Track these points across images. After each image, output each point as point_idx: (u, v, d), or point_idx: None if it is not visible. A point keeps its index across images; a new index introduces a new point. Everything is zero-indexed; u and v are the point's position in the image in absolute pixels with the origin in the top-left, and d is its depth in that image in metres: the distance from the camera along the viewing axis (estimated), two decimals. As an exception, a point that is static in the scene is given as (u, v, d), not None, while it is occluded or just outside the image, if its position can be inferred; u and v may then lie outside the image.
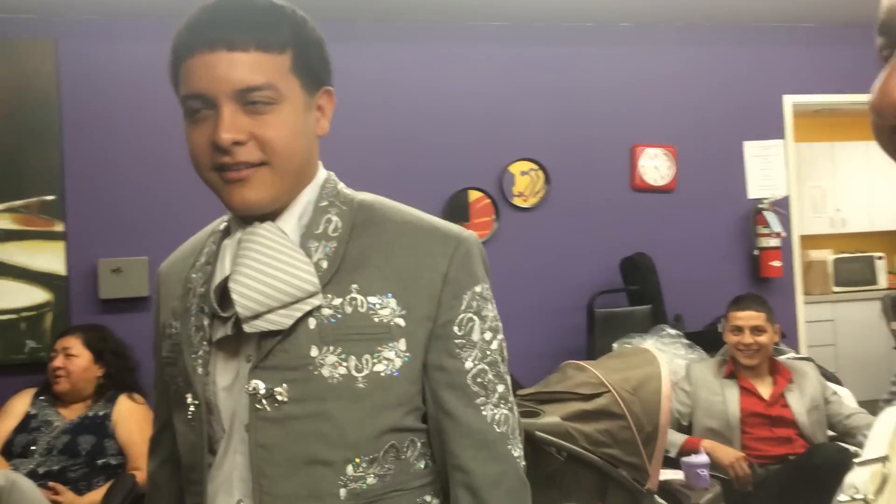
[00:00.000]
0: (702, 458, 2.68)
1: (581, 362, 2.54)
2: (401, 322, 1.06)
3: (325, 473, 1.03)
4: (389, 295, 1.06)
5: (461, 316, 1.08)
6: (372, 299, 1.06)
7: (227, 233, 1.14)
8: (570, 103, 4.20)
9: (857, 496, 0.49)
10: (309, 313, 1.04)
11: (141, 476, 2.98)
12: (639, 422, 2.32)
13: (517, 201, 4.11)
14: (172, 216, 3.81)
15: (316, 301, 1.04)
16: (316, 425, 1.03)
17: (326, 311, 1.05)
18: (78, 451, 3.01)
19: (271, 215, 1.08)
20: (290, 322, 1.03)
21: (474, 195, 4.08)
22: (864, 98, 4.61)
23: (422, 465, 1.09)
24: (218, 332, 1.07)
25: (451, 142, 4.09)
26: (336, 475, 1.03)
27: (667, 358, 3.10)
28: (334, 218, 1.10)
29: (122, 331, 3.46)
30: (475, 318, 1.09)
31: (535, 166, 4.14)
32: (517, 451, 1.11)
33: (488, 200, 4.07)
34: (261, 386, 1.03)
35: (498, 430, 1.09)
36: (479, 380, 1.09)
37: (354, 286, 1.06)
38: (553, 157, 4.16)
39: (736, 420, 3.16)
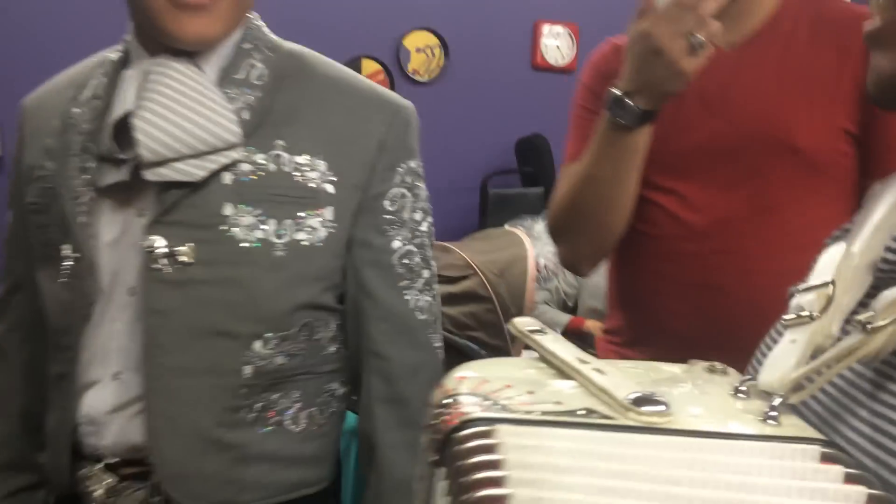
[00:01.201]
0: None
1: (447, 243, 2.50)
2: (330, 188, 0.95)
3: (229, 347, 0.93)
4: (319, 156, 0.95)
5: (394, 190, 0.99)
6: (299, 159, 0.95)
7: (122, 64, 0.98)
8: (472, -28, 4.00)
9: (804, 314, 0.53)
10: (225, 167, 0.92)
11: None
12: (504, 304, 2.31)
13: (413, 77, 3.95)
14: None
15: (235, 154, 0.92)
16: (224, 292, 0.92)
17: (246, 167, 0.93)
18: None
19: (188, 51, 0.93)
20: (202, 174, 0.90)
21: (369, 67, 3.88)
22: None
23: (333, 350, 1.01)
24: (108, 176, 0.93)
25: (345, 5, 3.84)
26: (241, 350, 0.93)
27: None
28: (258, 64, 0.97)
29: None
30: (408, 194, 1.00)
31: (433, 41, 3.96)
32: (437, 342, 1.04)
33: (383, 75, 3.89)
34: (160, 243, 0.90)
35: (420, 317, 1.01)
36: (405, 261, 1.00)
37: (280, 142, 0.95)
38: (452, 28, 3.98)
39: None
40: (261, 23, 1.02)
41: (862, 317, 0.47)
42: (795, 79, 1.18)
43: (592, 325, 3.02)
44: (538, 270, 3.11)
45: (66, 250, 0.95)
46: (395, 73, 3.94)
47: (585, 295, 3.28)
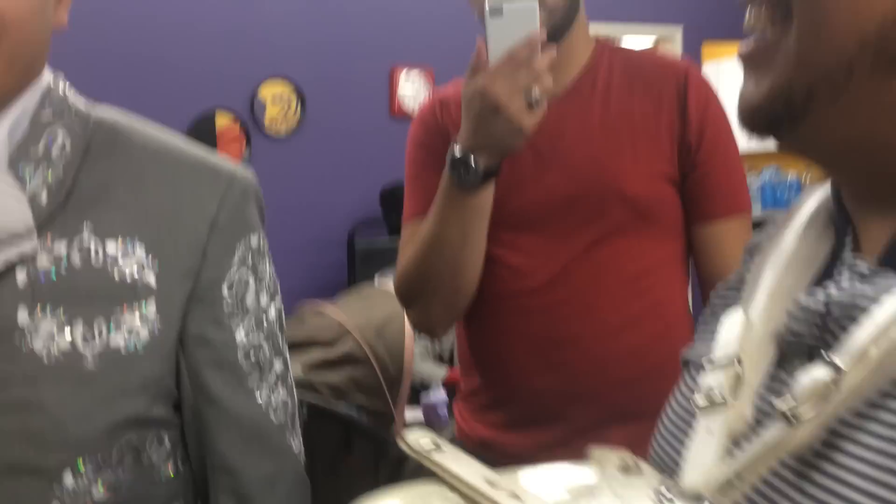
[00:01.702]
0: (440, 397, 2.66)
1: (320, 306, 2.40)
2: (151, 279, 0.81)
3: (32, 486, 0.76)
4: (137, 242, 0.81)
5: (232, 273, 0.85)
6: (111, 247, 0.80)
7: None
8: (325, 18, 3.94)
9: (716, 398, 0.51)
10: (16, 263, 0.76)
11: None
12: (384, 365, 2.24)
13: (270, 130, 3.83)
14: None
15: (28, 246, 0.76)
16: (21, 420, 0.75)
17: (43, 262, 0.78)
18: None
19: None
20: None
21: (223, 121, 3.72)
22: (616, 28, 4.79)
23: (170, 471, 0.85)
24: None
25: (195, 55, 3.70)
26: (48, 487, 0.76)
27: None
28: (61, 135, 0.82)
29: None
30: (249, 276, 0.87)
31: (288, 89, 3.86)
32: (296, 444, 0.90)
33: (237, 127, 3.75)
34: None
35: (274, 419, 0.87)
36: (252, 355, 0.86)
37: (87, 227, 0.80)
38: (308, 78, 3.91)
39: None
40: (64, 85, 0.87)
41: (783, 406, 0.44)
42: (617, 127, 1.22)
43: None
44: (412, 324, 3.06)
45: None
46: (251, 127, 3.80)
47: (463, 344, 3.24)
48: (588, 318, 1.21)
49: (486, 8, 1.10)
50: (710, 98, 1.24)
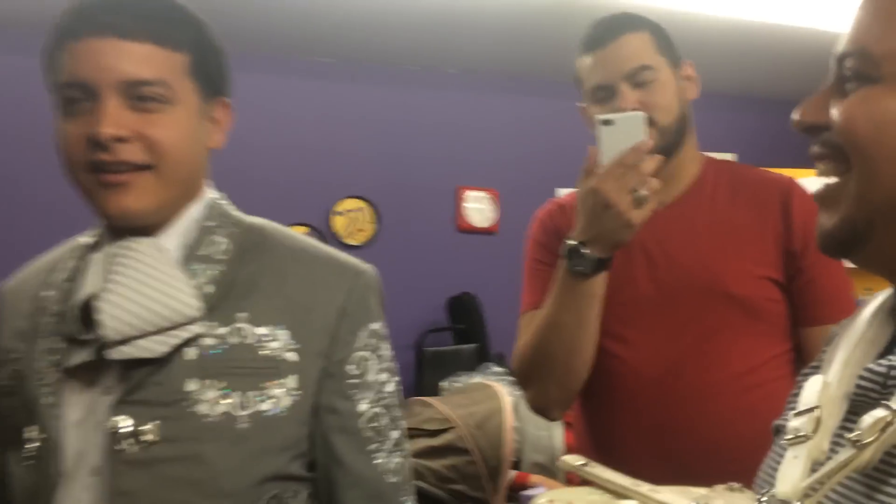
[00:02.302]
0: (540, 491, 2.74)
1: (426, 398, 2.55)
2: (292, 357, 0.98)
3: None
4: (281, 326, 0.98)
5: (356, 354, 1.02)
6: (261, 330, 0.98)
7: (93, 248, 1.02)
8: (397, 143, 4.24)
9: (801, 434, 0.62)
10: (188, 342, 0.94)
11: None
12: (484, 457, 2.36)
13: (345, 242, 4.07)
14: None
15: (197, 328, 0.95)
16: (187, 470, 0.92)
17: (208, 341, 0.96)
18: None
19: (150, 230, 0.98)
20: (164, 349, 0.93)
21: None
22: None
23: None
24: (74, 357, 0.94)
25: (277, 177, 3.98)
26: None
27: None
28: (222, 239, 1.02)
29: None
30: (371, 356, 1.03)
31: (361, 205, 4.11)
32: (410, 502, 1.05)
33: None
34: (126, 422, 0.91)
35: (391, 481, 1.02)
36: (373, 424, 1.02)
37: (242, 315, 0.98)
38: (381, 195, 4.17)
39: (561, 454, 3.26)
40: (223, 200, 1.08)
41: (852, 435, 0.57)
42: (723, 234, 1.33)
43: (538, 481, 3.04)
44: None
45: (32, 432, 0.95)
46: (329, 239, 4.04)
47: (528, 449, 3.30)
48: (701, 410, 1.27)
49: (600, 118, 1.24)
50: (812, 209, 1.32)
